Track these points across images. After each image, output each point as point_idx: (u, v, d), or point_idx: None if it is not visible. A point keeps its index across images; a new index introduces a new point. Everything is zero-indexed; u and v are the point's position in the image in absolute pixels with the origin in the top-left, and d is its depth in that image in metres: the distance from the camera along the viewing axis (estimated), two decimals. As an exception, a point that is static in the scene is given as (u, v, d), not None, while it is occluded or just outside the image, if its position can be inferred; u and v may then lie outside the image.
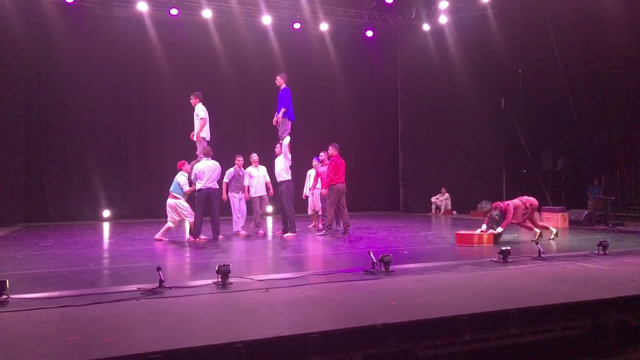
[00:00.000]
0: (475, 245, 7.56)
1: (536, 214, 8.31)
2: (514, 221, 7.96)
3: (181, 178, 8.74)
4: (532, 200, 8.25)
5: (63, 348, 2.94)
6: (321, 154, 10.16)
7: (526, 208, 8.06)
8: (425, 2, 15.31)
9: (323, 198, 9.93)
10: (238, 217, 9.72)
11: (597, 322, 4.05)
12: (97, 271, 5.91)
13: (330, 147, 9.67)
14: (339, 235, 9.40)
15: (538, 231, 8.20)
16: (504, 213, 7.85)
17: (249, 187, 9.85)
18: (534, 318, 3.83)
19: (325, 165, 9.77)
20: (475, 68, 14.51)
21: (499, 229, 7.78)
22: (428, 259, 6.51)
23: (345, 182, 9.56)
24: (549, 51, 12.80)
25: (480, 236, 7.68)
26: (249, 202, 9.99)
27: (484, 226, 7.85)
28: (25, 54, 12.98)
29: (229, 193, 9.69)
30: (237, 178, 9.71)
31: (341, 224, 9.77)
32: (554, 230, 8.33)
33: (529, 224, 8.28)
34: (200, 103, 9.19)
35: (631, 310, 4.18)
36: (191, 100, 9.23)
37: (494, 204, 8.16)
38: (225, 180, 9.61)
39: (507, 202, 8.10)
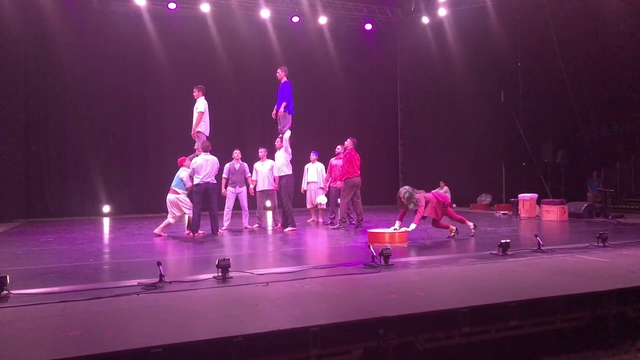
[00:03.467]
0: (388, 244, 6.75)
1: (450, 211, 7.80)
2: (425, 214, 7.51)
3: (183, 173, 8.74)
4: (445, 196, 7.84)
5: (64, 342, 2.95)
6: (338, 147, 10.21)
7: (438, 203, 7.60)
8: (424, -6, 15.27)
9: (336, 190, 9.97)
10: (227, 212, 9.62)
11: (596, 314, 4.06)
12: (97, 266, 5.91)
13: (347, 140, 9.65)
14: (349, 228, 9.42)
15: (454, 228, 7.79)
16: (416, 206, 7.37)
17: (255, 181, 9.86)
18: (533, 310, 3.84)
19: (340, 158, 9.78)
20: (475, 61, 14.49)
21: (412, 226, 7.37)
22: (428, 252, 6.52)
23: (360, 176, 9.58)
24: (548, 43, 12.77)
25: (392, 235, 7.12)
26: (253, 197, 10.00)
27: (397, 223, 7.36)
28: (23, 49, 12.93)
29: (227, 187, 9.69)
30: (233, 172, 9.69)
31: (354, 218, 9.80)
32: (454, 229, 7.81)
33: (444, 223, 7.83)
34: (203, 97, 9.16)
35: (630, 302, 4.19)
36: (194, 93, 9.19)
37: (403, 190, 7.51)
38: (224, 175, 9.60)
39: (421, 192, 7.55)
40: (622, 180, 12.92)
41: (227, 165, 9.64)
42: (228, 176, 9.63)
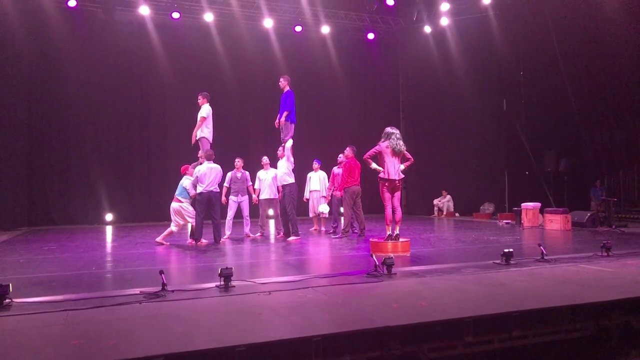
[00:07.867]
0: (391, 253, 6.54)
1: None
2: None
3: (187, 182, 8.76)
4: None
5: (66, 351, 2.95)
6: (340, 155, 10.24)
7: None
8: (426, 4, 15.32)
9: (338, 199, 10.00)
10: (229, 221, 9.65)
11: (601, 324, 4.03)
12: (99, 275, 5.92)
13: (347, 149, 9.72)
14: (352, 237, 9.41)
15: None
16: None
17: (258, 189, 9.87)
18: (537, 320, 3.82)
19: (342, 167, 9.81)
20: (477, 70, 14.52)
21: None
22: (430, 261, 6.50)
23: (360, 184, 9.60)
24: (550, 52, 12.80)
25: (394, 244, 7.04)
26: (256, 205, 10.01)
27: (389, 229, 7.20)
28: (28, 58, 13.02)
29: (229, 196, 9.71)
30: (235, 180, 9.71)
31: (357, 227, 9.80)
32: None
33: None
34: (207, 104, 9.19)
35: (635, 313, 4.17)
36: (199, 100, 9.22)
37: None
38: (226, 184, 9.62)
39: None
40: (625, 189, 12.87)
41: (229, 174, 9.66)
42: (230, 185, 9.66)
